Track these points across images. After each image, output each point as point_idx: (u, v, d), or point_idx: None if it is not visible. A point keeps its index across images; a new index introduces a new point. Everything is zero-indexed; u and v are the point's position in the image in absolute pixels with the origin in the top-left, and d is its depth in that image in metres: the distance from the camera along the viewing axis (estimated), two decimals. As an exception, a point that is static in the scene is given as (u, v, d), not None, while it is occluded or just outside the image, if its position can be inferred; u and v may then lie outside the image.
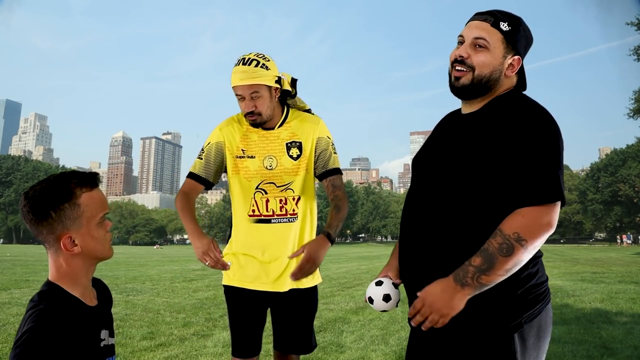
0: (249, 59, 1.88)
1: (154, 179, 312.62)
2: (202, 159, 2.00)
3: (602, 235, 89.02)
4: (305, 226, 1.99)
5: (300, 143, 1.99)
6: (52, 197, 1.17)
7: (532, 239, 1.18)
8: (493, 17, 1.35)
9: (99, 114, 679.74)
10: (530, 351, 1.24)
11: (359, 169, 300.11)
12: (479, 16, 1.38)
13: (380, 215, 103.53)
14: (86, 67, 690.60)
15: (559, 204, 1.21)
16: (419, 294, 1.27)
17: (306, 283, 1.98)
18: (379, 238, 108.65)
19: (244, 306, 1.95)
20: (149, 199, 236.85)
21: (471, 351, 1.23)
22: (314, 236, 2.02)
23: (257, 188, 1.94)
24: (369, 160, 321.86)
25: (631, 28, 30.64)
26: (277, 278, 1.93)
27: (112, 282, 9.91)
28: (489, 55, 1.33)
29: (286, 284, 1.93)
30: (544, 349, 1.30)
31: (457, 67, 1.36)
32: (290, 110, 2.05)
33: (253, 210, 1.94)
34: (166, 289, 8.94)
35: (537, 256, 1.31)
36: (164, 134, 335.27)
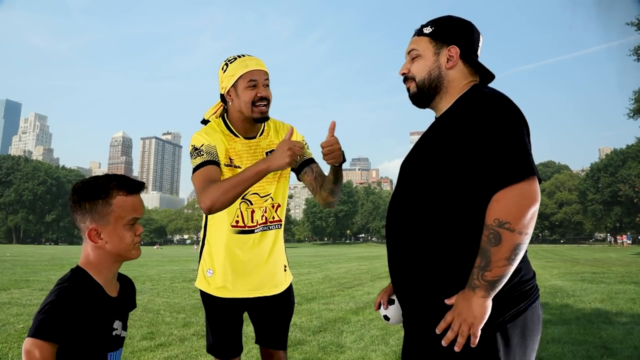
0: (244, 54, 1.92)
1: (154, 179, 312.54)
2: (203, 154, 1.82)
3: (602, 235, 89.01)
4: (281, 230, 2.05)
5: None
6: (91, 190, 1.32)
7: (515, 219, 1.15)
8: (419, 29, 1.47)
9: (99, 114, 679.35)
10: (514, 350, 1.23)
11: (359, 169, 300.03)
12: (413, 33, 1.50)
13: (380, 215, 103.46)
14: (86, 67, 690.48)
15: (532, 179, 1.18)
16: (447, 301, 1.25)
17: (281, 287, 2.03)
18: (372, 238, 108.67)
19: (224, 313, 1.99)
20: (149, 199, 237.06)
21: (454, 350, 1.23)
22: (282, 236, 2.07)
23: (243, 198, 1.93)
24: (369, 160, 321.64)
25: (631, 28, 30.63)
26: (256, 285, 1.97)
27: (112, 282, 9.90)
28: (422, 60, 1.44)
29: (264, 290, 1.98)
30: (533, 348, 1.29)
31: (405, 84, 1.49)
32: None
33: (237, 221, 1.93)
34: (166, 289, 8.94)
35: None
36: (164, 134, 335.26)
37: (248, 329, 2.37)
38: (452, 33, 1.42)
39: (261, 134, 2.00)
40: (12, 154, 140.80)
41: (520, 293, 1.26)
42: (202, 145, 1.86)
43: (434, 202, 1.29)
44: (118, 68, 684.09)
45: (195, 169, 1.82)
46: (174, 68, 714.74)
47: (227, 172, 1.91)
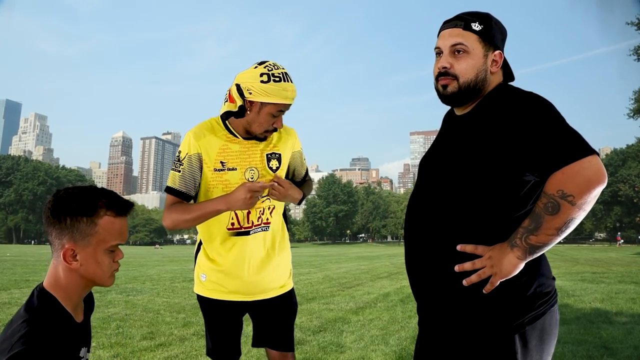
0: (287, 74, 1.81)
1: (154, 179, 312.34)
2: (179, 171, 1.84)
3: (602, 235, 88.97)
4: (277, 234, 2.00)
5: (280, 155, 1.96)
6: (75, 204, 1.16)
7: (580, 193, 1.12)
8: (463, 21, 1.34)
9: (101, 115, 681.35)
10: (532, 353, 1.22)
11: (359, 169, 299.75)
12: (449, 24, 1.37)
13: (380, 215, 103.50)
14: (91, 71, 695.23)
15: (595, 155, 1.15)
16: (481, 251, 1.24)
17: (282, 289, 2.00)
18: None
19: (223, 317, 1.96)
20: (149, 199, 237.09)
21: (472, 351, 1.23)
22: (287, 241, 2.06)
23: None
24: (369, 161, 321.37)
25: (631, 28, 30.62)
26: (255, 288, 1.93)
27: (112, 282, 9.90)
28: (470, 59, 1.33)
29: (264, 293, 1.94)
30: (549, 352, 1.28)
31: (441, 81, 1.36)
32: None
33: (232, 224, 1.90)
34: (166, 289, 8.94)
35: (541, 254, 1.29)
36: (164, 134, 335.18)
37: (247, 329, 2.36)
38: (497, 36, 1.36)
39: None
40: (12, 154, 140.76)
41: (540, 296, 1.25)
42: (185, 157, 1.84)
43: (459, 200, 1.27)
44: (123, 72, 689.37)
45: (166, 189, 1.88)
46: (179, 72, 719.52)
47: (215, 178, 1.86)
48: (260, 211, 1.94)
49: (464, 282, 1.24)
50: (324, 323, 5.42)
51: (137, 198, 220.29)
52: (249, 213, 1.91)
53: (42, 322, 1.11)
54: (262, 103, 1.77)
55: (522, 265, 1.21)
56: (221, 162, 1.86)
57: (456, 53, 1.33)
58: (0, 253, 27.97)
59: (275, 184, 1.85)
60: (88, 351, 1.30)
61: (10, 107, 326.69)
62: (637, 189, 69.78)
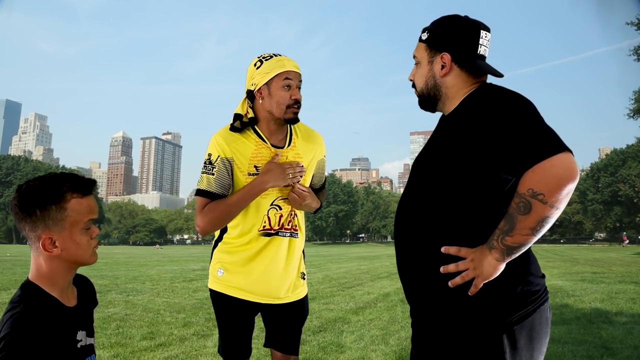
0: (279, 54, 1.86)
1: (154, 179, 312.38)
2: (213, 174, 1.82)
3: (602, 235, 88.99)
4: (302, 242, 2.02)
5: (303, 166, 1.95)
6: (41, 195, 1.18)
7: (550, 191, 1.11)
8: (421, 33, 1.45)
9: (100, 116, 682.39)
10: (521, 352, 1.22)
11: (359, 169, 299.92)
12: None
13: (380, 215, 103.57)
14: (90, 70, 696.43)
15: (570, 153, 1.14)
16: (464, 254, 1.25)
17: (297, 295, 1.99)
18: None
19: (235, 314, 1.95)
20: (149, 199, 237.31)
21: (461, 352, 1.23)
22: (301, 247, 2.07)
23: (272, 204, 1.90)
24: (369, 160, 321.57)
25: (631, 28, 30.65)
26: (272, 291, 1.92)
27: (112, 282, 9.92)
28: (420, 69, 1.44)
29: (279, 298, 1.93)
30: (540, 350, 1.28)
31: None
32: (293, 126, 1.97)
33: (264, 226, 1.90)
34: (166, 289, 8.95)
35: (528, 253, 1.29)
36: (164, 133, 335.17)
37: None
38: (445, 38, 1.38)
39: (289, 144, 1.94)
40: (12, 154, 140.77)
41: (528, 294, 1.24)
42: (216, 159, 1.83)
43: (442, 200, 1.28)
44: (122, 71, 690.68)
45: (199, 192, 1.84)
46: (178, 71, 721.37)
47: (250, 183, 1.86)
48: (292, 214, 1.94)
49: (450, 284, 1.25)
50: (324, 323, 5.42)
51: (137, 198, 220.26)
52: (281, 216, 1.92)
53: (24, 307, 1.15)
54: (266, 83, 1.82)
55: (502, 267, 1.21)
56: (255, 167, 1.87)
57: (416, 65, 1.47)
58: (0, 253, 27.97)
59: (298, 188, 1.88)
60: (89, 336, 1.31)
61: (10, 107, 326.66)
62: (637, 189, 69.82)
